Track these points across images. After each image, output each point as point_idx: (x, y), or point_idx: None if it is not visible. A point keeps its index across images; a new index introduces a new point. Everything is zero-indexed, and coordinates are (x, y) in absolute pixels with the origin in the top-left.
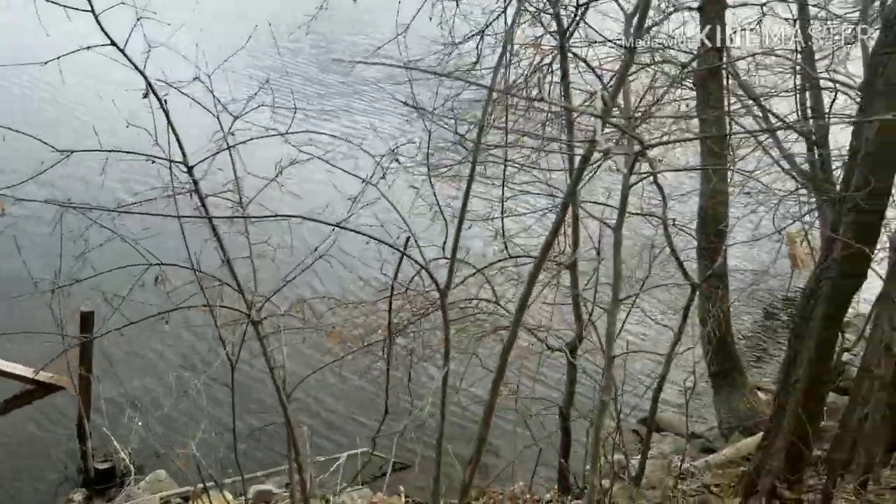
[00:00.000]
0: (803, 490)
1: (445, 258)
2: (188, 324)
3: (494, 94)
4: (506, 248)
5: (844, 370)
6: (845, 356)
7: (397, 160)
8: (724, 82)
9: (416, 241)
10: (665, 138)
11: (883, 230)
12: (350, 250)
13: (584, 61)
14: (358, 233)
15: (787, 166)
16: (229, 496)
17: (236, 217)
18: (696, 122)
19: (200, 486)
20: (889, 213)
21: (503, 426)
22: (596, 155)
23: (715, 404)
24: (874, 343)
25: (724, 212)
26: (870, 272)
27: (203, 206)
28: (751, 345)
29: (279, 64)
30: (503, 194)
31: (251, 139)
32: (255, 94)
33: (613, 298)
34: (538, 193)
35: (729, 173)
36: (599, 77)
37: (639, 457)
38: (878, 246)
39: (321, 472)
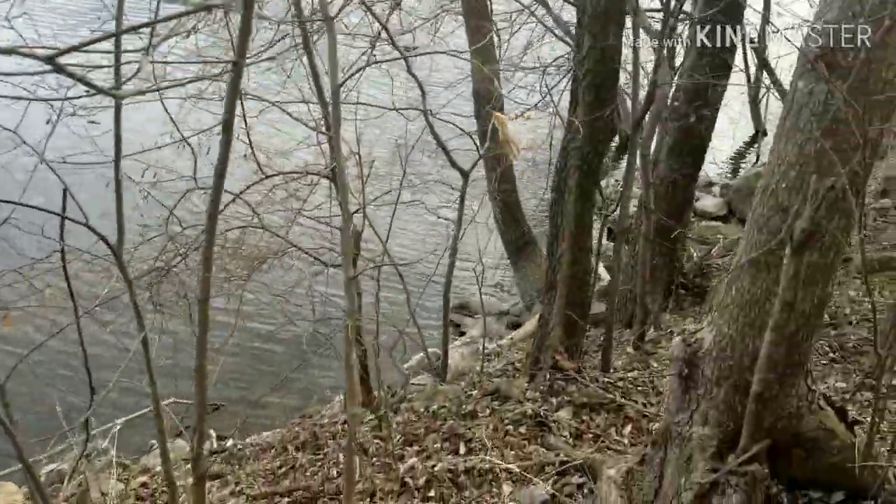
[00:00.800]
0: (583, 356)
1: (203, 189)
2: None
3: None
4: (259, 166)
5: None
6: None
7: (92, 86)
8: None
9: (72, 196)
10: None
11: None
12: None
13: None
14: None
15: (560, 33)
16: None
17: None
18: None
19: None
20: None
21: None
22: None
23: (515, 279)
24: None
25: (495, 89)
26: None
27: None
28: (542, 216)
29: None
30: (243, 108)
31: None
32: None
33: (343, 215)
34: (293, 101)
35: (498, 50)
36: None
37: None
38: None
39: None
